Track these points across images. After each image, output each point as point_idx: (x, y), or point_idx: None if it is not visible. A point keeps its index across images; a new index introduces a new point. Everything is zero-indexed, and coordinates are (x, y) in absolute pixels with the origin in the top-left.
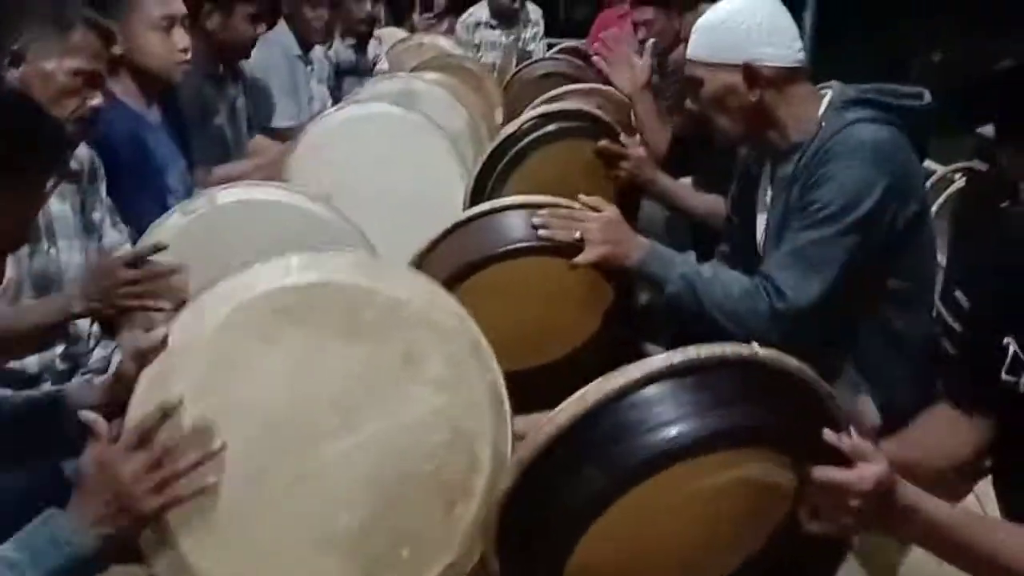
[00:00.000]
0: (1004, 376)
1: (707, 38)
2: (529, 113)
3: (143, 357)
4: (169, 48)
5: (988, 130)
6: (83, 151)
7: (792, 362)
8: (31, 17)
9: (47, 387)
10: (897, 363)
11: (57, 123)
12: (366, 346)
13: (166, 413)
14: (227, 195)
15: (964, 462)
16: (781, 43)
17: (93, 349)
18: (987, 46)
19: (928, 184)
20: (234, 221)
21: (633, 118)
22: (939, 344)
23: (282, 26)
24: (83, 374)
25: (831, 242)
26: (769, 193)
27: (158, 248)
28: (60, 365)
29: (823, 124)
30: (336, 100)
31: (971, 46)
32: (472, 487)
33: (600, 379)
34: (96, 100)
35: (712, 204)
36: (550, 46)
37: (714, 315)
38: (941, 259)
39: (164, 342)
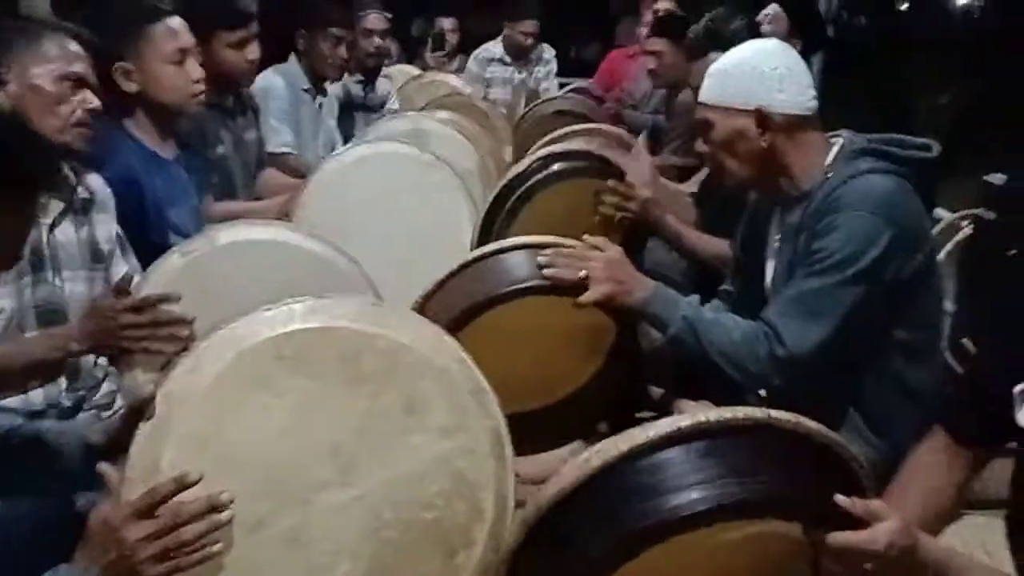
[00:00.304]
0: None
1: (720, 82)
2: (536, 153)
3: (142, 409)
4: (185, 80)
5: (996, 177)
6: (94, 180)
7: (811, 425)
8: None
9: (52, 421)
10: (904, 412)
11: (44, 138)
12: (368, 393)
13: (181, 485)
14: (227, 235)
15: (956, 490)
16: (793, 90)
17: (100, 383)
18: (994, 88)
19: (935, 231)
20: (234, 261)
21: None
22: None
23: (292, 60)
24: (89, 410)
25: (834, 291)
26: (777, 238)
27: (168, 299)
28: (66, 401)
29: (831, 173)
30: (344, 135)
31: (979, 88)
32: (474, 535)
33: (605, 441)
34: (92, 103)
35: (716, 247)
36: (562, 85)
37: (715, 358)
38: (948, 306)
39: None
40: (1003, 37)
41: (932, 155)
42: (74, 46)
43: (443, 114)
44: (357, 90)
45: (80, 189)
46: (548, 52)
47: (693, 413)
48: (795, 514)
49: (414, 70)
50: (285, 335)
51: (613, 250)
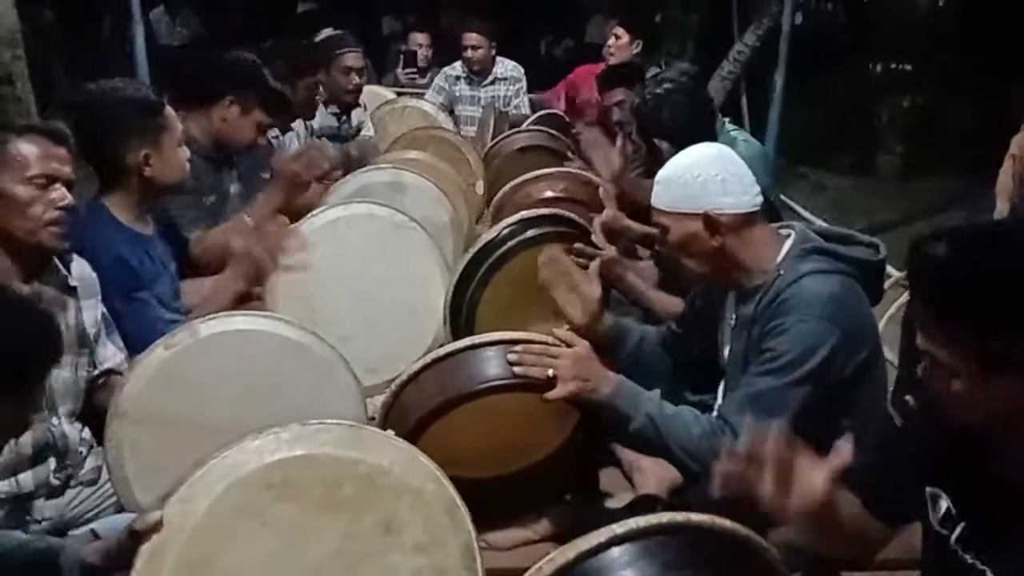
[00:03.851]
0: (937, 527)
1: (668, 190)
2: (507, 220)
3: (140, 536)
4: (185, 160)
5: None
6: (80, 266)
7: (727, 524)
8: None
9: (54, 538)
10: None
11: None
12: (350, 516)
13: None
14: (209, 327)
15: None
16: (736, 192)
17: (84, 460)
18: (954, 93)
19: (885, 287)
20: (216, 352)
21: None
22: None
23: None
24: (75, 487)
25: (785, 390)
26: (733, 319)
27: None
28: (54, 480)
29: (781, 271)
30: None
31: (939, 93)
32: None
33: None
34: (66, 200)
35: (671, 305)
36: (533, 103)
37: (675, 451)
38: (893, 360)
39: (159, 525)
40: (964, 30)
41: (877, 258)
42: (46, 145)
43: (415, 154)
44: (330, 121)
45: (68, 278)
46: (516, 70)
47: (625, 522)
48: None
49: (386, 92)
50: (271, 464)
51: (580, 346)
